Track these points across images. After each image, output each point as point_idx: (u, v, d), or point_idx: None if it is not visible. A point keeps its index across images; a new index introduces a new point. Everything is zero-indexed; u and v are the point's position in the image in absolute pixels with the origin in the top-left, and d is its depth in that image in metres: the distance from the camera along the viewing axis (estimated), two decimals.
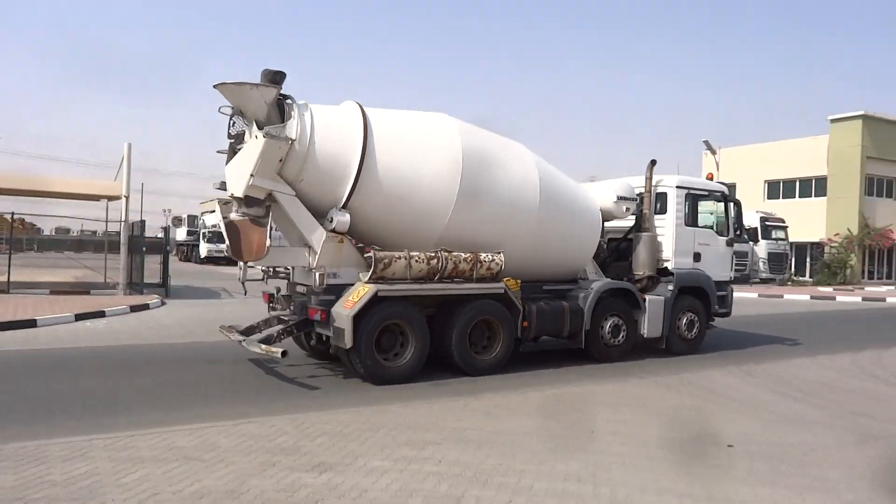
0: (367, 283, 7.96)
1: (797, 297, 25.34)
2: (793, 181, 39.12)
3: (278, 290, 9.22)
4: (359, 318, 7.74)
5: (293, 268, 8.94)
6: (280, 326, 8.74)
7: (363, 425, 6.13)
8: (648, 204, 10.83)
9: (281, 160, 7.67)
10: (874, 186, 36.97)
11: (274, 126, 7.61)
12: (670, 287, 10.73)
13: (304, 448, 5.41)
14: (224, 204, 8.16)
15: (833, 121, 36.85)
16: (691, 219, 11.13)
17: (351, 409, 6.72)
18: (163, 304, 16.90)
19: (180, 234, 48.97)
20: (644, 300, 10.41)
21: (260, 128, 7.64)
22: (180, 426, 5.97)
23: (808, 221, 36.32)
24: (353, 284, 8.13)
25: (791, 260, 35.12)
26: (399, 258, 8.05)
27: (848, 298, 25.12)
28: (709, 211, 11.68)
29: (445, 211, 8.35)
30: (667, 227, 10.90)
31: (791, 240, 34.39)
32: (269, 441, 5.58)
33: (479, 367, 8.72)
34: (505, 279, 8.93)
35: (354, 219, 8.04)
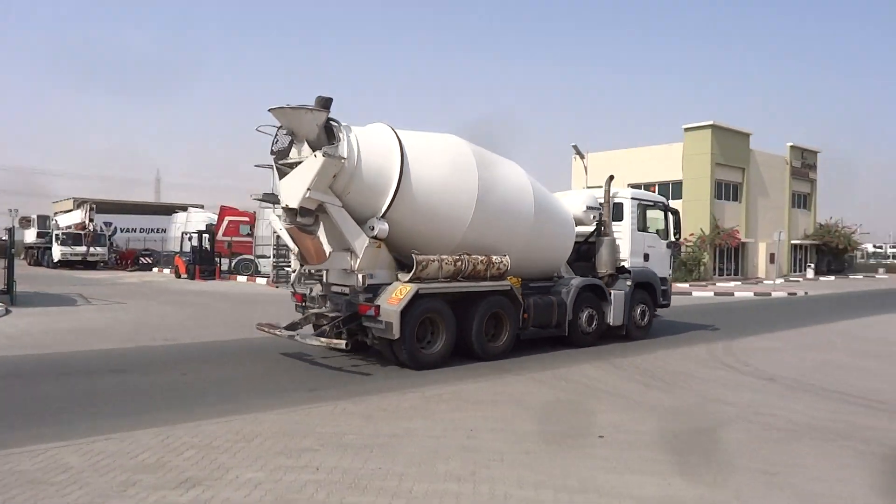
0: (407, 282, 9.06)
1: None
2: (653, 185, 41.92)
3: (310, 290, 10.07)
4: (404, 312, 8.79)
5: (326, 270, 9.71)
6: (308, 323, 10.09)
7: (235, 436, 5.81)
8: (608, 212, 12.52)
9: (334, 176, 8.57)
10: (722, 190, 40.35)
11: (330, 146, 8.47)
12: (628, 283, 12.47)
13: (170, 464, 5.04)
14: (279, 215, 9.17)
15: (686, 129, 39.86)
16: (642, 225, 13.13)
17: (222, 420, 6.36)
18: (7, 312, 15.32)
19: (29, 235, 44.78)
20: (610, 294, 12.06)
21: (313, 147, 8.56)
22: (25, 447, 5.39)
23: None
24: (387, 284, 9.18)
25: None
26: (434, 260, 9.23)
27: (702, 293, 27.21)
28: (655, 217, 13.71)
29: (465, 219, 9.57)
30: (623, 232, 12.74)
31: None
32: (130, 458, 5.15)
33: (493, 354, 10.05)
34: (509, 277, 10.26)
35: (390, 227, 8.96)
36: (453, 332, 9.52)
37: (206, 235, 29.67)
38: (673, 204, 41.12)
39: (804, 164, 47.37)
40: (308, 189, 8.41)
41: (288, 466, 5.05)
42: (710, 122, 38.84)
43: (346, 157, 8.58)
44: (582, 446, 5.82)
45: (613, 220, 12.62)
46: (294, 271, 10.14)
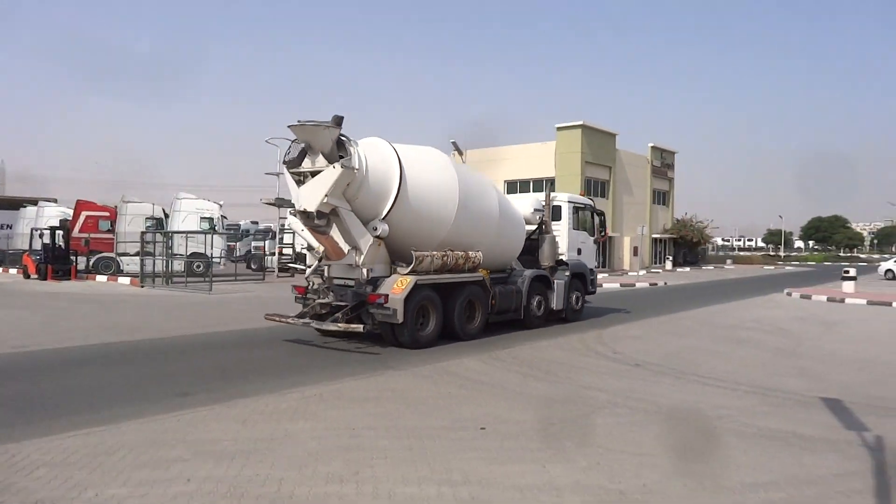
0: (406, 274, 10.59)
1: None
2: (528, 181, 43.31)
3: (312, 283, 11.36)
4: (407, 300, 10.29)
5: (329, 266, 11.13)
6: (314, 311, 11.16)
7: (95, 449, 5.34)
8: (548, 214, 14.49)
9: (348, 184, 9.86)
10: (592, 187, 42.43)
11: (346, 159, 9.74)
12: (566, 273, 14.64)
13: (17, 485, 4.54)
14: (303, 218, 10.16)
15: (559, 128, 41.58)
16: (576, 224, 15.47)
17: (80, 432, 5.82)
18: None
19: None
20: (553, 283, 14.11)
21: (328, 159, 9.82)
22: None
23: None
24: (384, 277, 10.73)
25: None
26: (427, 256, 10.81)
27: None
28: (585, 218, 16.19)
29: (449, 220, 11.16)
30: (562, 231, 14.99)
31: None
32: None
33: (470, 334, 11.79)
34: (480, 270, 12.03)
35: (389, 227, 10.40)
36: (441, 316, 11.16)
37: (59, 232, 27.28)
38: None
39: (663, 163, 50.89)
40: (326, 195, 9.69)
41: (155, 479, 4.70)
42: (581, 122, 40.75)
43: (357, 167, 9.91)
44: (464, 439, 5.86)
45: (553, 219, 14.77)
46: (309, 267, 11.50)
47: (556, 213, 15.01)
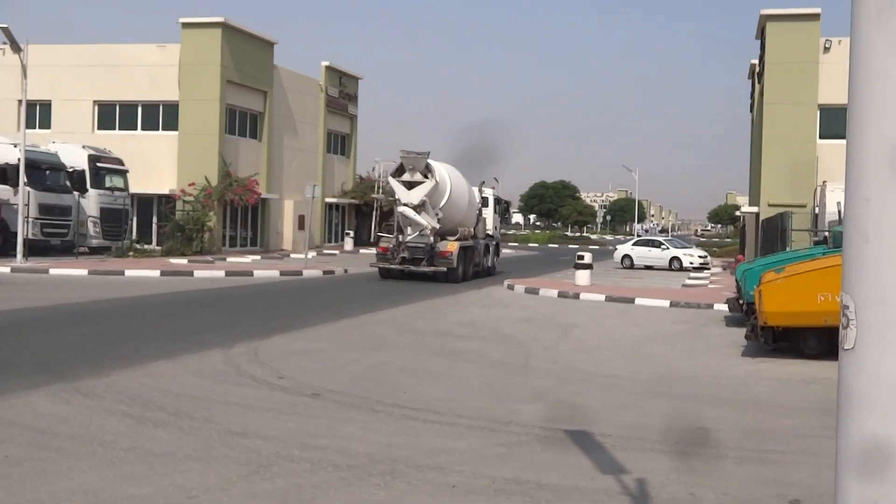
0: (454, 241, 32.25)
1: (144, 272, 26.97)
2: (134, 105, 41.26)
3: (393, 245, 31.69)
4: (458, 254, 32.22)
5: (406, 234, 31.69)
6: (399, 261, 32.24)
7: None
8: (481, 203, 36.80)
9: (433, 189, 31.76)
10: (236, 121, 41.93)
11: (432, 176, 31.51)
12: (494, 243, 38.75)
13: None
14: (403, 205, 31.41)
15: (185, 25, 40.09)
16: (497, 210, 39.56)
17: None
18: None
19: None
20: (489, 248, 37.63)
21: (423, 175, 31.26)
22: None
23: (154, 164, 38.92)
24: (436, 243, 31.51)
25: (133, 220, 37.18)
26: (464, 230, 33.80)
27: (209, 273, 28.16)
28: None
29: (463, 210, 34.11)
30: (489, 215, 37.38)
31: (132, 191, 36.37)
32: None
33: (468, 276, 33.55)
34: (470, 238, 34.44)
35: (442, 213, 32.35)
36: (464, 264, 32.24)
37: None
38: (165, 136, 43.75)
39: (343, 93, 52.67)
40: (424, 195, 30.47)
41: None
42: (221, 20, 39.84)
43: (438, 181, 31.06)
44: None
45: (483, 206, 35.85)
46: (393, 236, 31.59)
47: (485, 202, 35.87)
